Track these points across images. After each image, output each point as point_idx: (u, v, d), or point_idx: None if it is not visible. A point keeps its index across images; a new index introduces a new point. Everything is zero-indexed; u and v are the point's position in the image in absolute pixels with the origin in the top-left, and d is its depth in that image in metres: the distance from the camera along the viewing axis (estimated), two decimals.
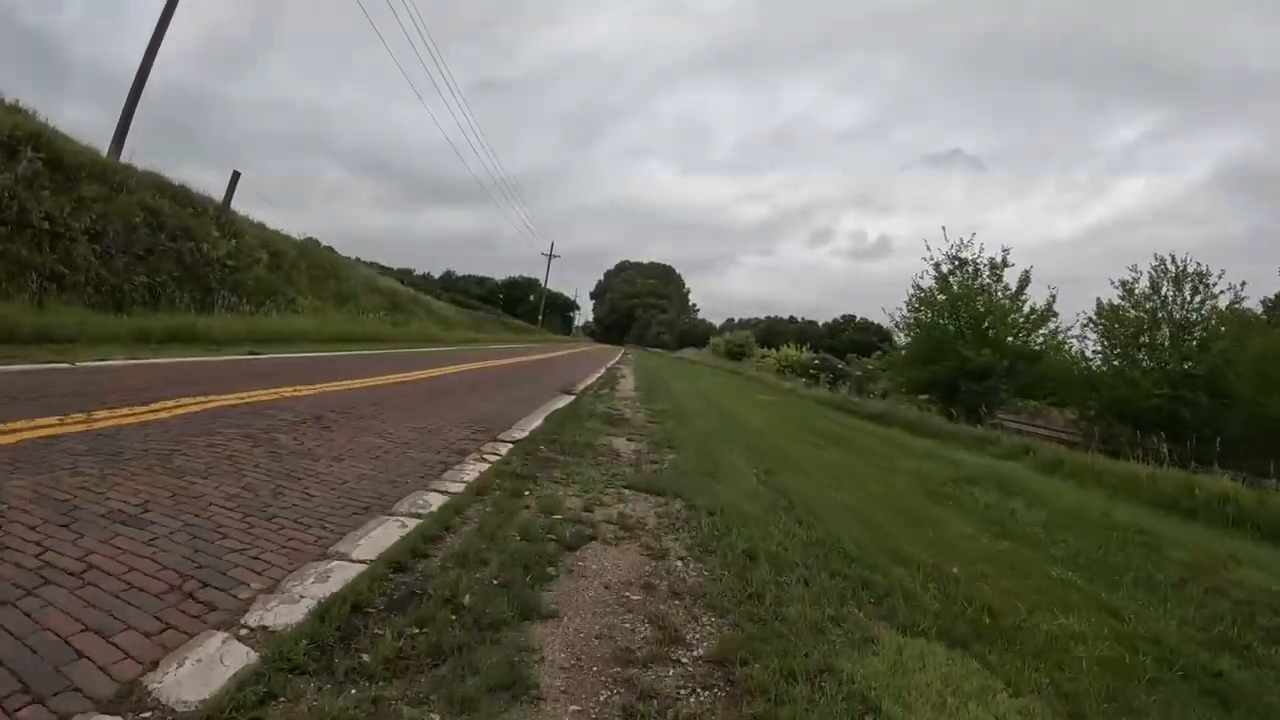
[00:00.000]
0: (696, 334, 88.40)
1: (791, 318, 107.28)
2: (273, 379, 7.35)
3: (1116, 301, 14.60)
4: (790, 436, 9.26)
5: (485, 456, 4.91)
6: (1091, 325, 14.72)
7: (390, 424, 5.70)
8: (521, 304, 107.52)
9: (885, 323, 20.74)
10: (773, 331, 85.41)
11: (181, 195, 16.57)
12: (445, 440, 5.35)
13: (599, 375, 15.82)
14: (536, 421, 6.75)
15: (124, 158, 15.85)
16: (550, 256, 53.35)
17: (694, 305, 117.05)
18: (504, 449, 5.24)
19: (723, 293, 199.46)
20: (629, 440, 6.35)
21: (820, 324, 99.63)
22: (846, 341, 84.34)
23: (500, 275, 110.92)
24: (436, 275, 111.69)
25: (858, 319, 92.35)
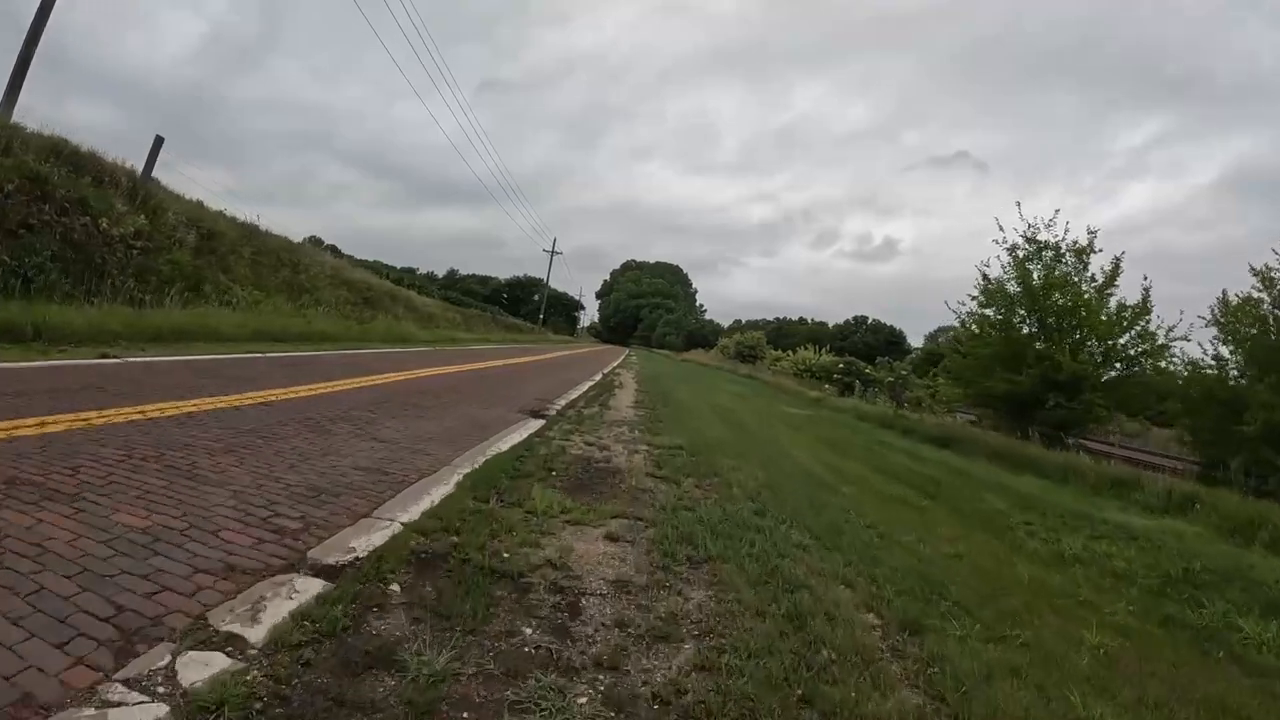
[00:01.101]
0: (704, 335, 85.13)
1: (801, 318, 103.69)
2: (39, 401, 4.28)
3: (1253, 294, 11.32)
4: (871, 491, 6.06)
5: (158, 680, 1.73)
6: (1220, 327, 11.44)
7: (80, 522, 2.54)
8: (525, 304, 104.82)
9: (950, 319, 17.42)
10: (782, 333, 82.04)
11: (89, 162, 13.63)
12: (125, 596, 2.18)
13: (590, 385, 12.67)
14: (441, 490, 3.58)
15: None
16: (552, 253, 50.13)
17: (701, 306, 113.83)
18: (275, 615, 2.06)
19: (727, 294, 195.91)
20: (608, 542, 3.15)
21: (830, 325, 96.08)
22: (859, 343, 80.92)
23: (506, 275, 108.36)
24: (440, 274, 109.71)
25: (870, 320, 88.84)
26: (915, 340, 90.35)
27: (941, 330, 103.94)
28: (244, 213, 19.31)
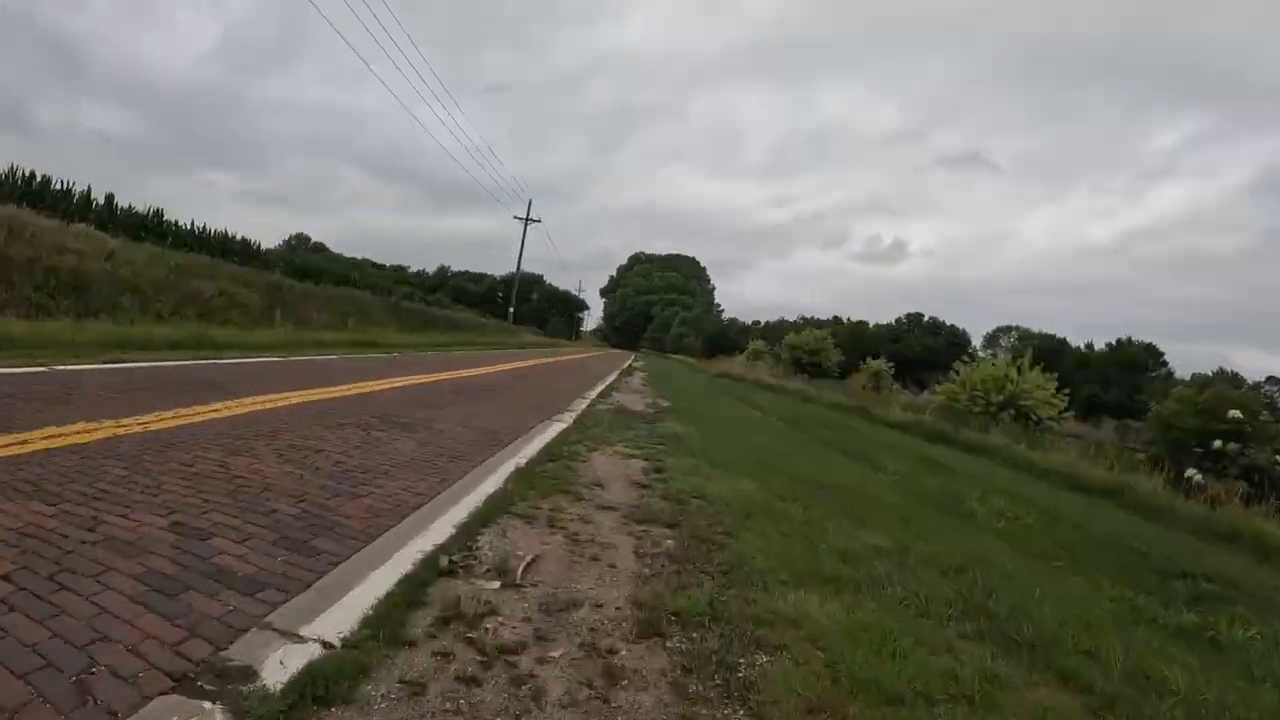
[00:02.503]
0: (727, 336, 72.21)
1: (835, 317, 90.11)
2: None
3: None
4: None
5: None
6: None
7: None
8: (523, 303, 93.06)
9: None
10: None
11: None
12: None
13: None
14: None
15: None
16: (526, 220, 37.15)
17: (718, 305, 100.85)
18: None
19: (740, 295, 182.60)
20: None
21: (871, 325, 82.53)
22: (915, 345, 67.82)
23: (503, 274, 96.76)
24: (430, 272, 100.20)
25: (926, 318, 75.19)
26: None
27: (1002, 330, 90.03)
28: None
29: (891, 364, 27.30)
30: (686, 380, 19.64)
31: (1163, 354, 58.83)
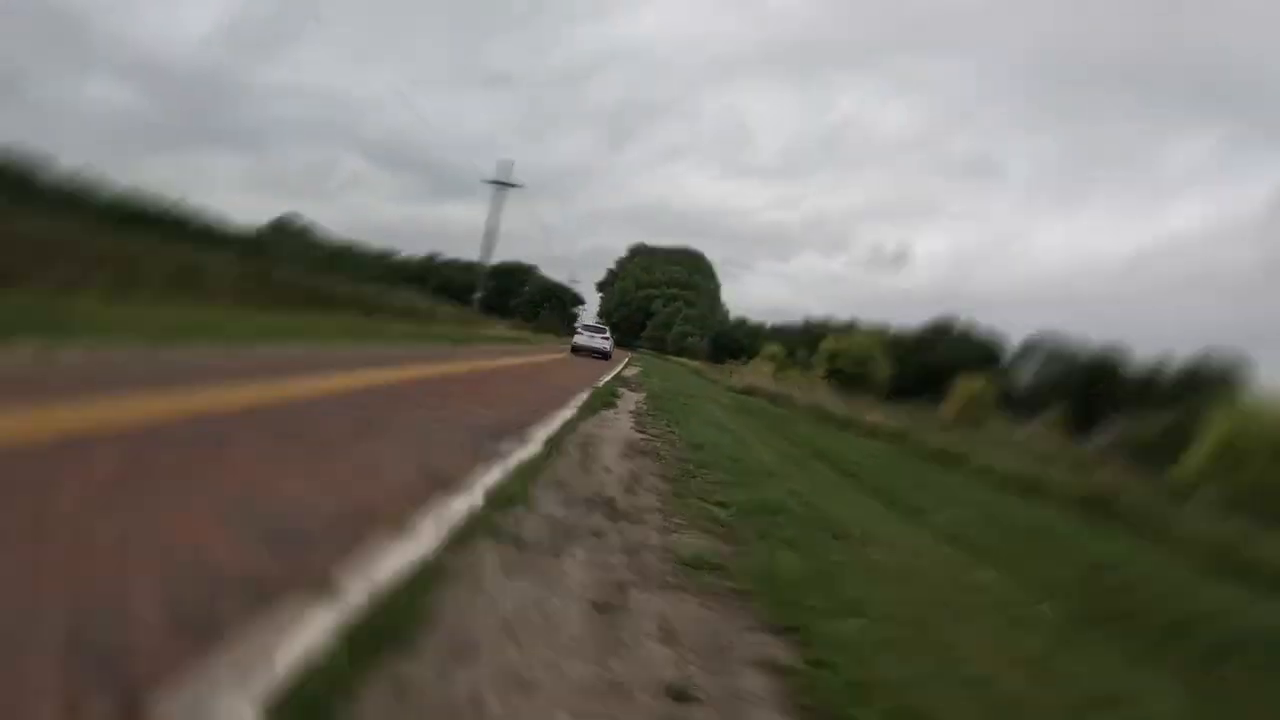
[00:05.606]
0: (734, 338, 64.43)
1: (854, 320, 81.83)
2: None
3: None
4: None
5: None
6: None
7: None
8: (514, 294, 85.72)
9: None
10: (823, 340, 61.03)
11: None
12: None
13: None
14: None
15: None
16: (504, 185, 29.18)
17: (724, 304, 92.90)
18: None
19: (742, 296, 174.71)
20: None
21: (892, 329, 74.16)
22: (949, 355, 59.91)
23: (496, 261, 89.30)
24: (418, 258, 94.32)
25: (958, 321, 67.16)
26: None
27: (1039, 336, 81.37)
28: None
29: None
30: (697, 389, 11.59)
31: (1253, 365, 50.19)
